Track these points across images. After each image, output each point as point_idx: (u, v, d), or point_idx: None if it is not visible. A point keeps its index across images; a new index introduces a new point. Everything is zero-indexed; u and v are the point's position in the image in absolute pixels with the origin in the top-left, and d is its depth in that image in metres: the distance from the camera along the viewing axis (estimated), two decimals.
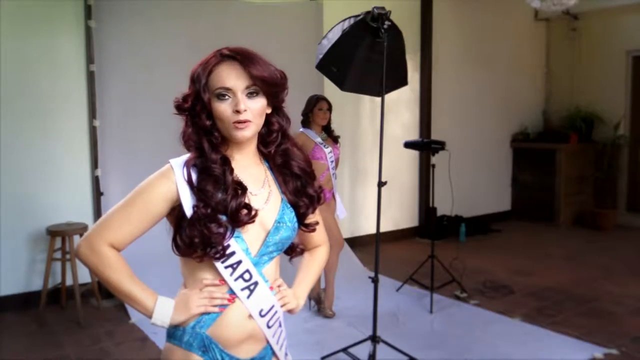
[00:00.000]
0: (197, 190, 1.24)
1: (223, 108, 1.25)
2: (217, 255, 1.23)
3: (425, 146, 4.45)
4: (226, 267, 1.26)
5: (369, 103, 5.83)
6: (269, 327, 1.33)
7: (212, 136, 1.27)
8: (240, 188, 1.26)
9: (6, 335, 3.69)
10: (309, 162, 1.41)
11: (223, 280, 1.28)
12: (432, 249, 4.28)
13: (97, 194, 4.30)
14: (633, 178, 6.86)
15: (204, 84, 1.25)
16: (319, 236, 1.53)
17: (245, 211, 1.25)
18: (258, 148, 1.37)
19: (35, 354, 3.42)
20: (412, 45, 5.93)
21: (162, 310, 1.27)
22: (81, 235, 3.93)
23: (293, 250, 1.46)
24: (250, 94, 1.26)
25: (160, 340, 3.47)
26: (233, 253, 1.26)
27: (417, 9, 6.22)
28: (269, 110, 1.32)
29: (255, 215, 1.27)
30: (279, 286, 1.37)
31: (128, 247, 1.29)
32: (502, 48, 7.03)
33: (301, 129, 3.84)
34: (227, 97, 1.25)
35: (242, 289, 1.28)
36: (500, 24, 6.98)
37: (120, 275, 1.26)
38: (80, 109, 4.29)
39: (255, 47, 1.32)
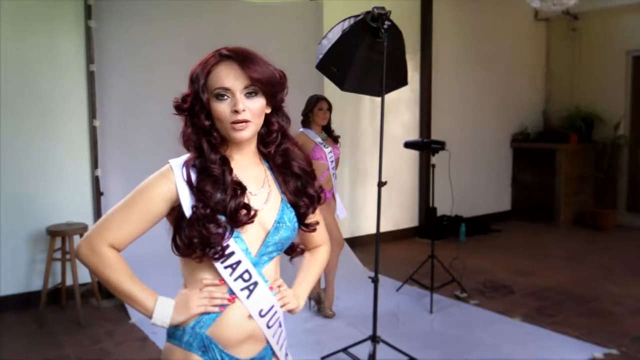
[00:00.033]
0: (196, 190, 1.24)
1: (222, 108, 1.24)
2: (216, 256, 1.23)
3: (425, 146, 4.45)
4: (225, 267, 1.26)
5: (369, 103, 5.83)
6: (268, 327, 1.33)
7: (211, 136, 1.27)
8: (239, 188, 1.26)
9: (6, 335, 3.69)
10: (309, 162, 1.41)
11: (223, 280, 1.28)
12: (432, 249, 4.28)
13: (97, 194, 4.30)
14: (633, 178, 6.86)
15: (203, 84, 1.25)
16: (320, 236, 1.53)
17: (244, 211, 1.25)
18: (258, 148, 1.36)
19: (35, 354, 3.42)
20: (412, 45, 5.93)
21: (162, 311, 1.27)
22: (81, 235, 3.93)
23: (293, 250, 1.46)
24: (249, 94, 1.25)
25: (160, 340, 3.47)
26: (232, 253, 1.26)
27: (417, 9, 6.22)
28: (268, 110, 1.32)
29: (255, 215, 1.27)
30: (279, 286, 1.37)
31: (128, 247, 1.29)
32: (502, 48, 7.03)
33: (301, 129, 3.84)
34: (225, 97, 1.24)
35: (242, 289, 1.28)
36: (500, 24, 6.98)
37: (121, 275, 1.26)
38: (80, 108, 4.29)
39: (255, 47, 1.32)
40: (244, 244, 1.28)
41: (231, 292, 1.28)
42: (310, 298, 3.99)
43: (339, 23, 3.06)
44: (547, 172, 6.96)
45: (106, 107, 4.29)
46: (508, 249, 5.88)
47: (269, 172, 1.37)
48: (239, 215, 1.24)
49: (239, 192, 1.26)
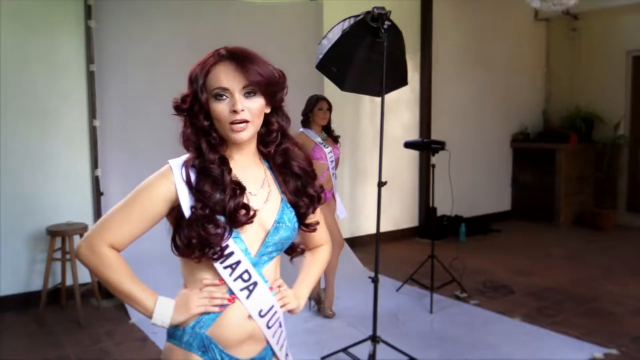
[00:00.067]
0: (195, 190, 1.24)
1: (220, 108, 1.24)
2: (215, 256, 1.23)
3: (425, 146, 4.45)
4: (225, 268, 1.26)
5: (369, 103, 5.83)
6: (268, 327, 1.33)
7: (210, 136, 1.27)
8: (238, 188, 1.26)
9: (6, 335, 3.69)
10: (309, 162, 1.41)
11: (223, 280, 1.28)
12: (432, 249, 4.28)
13: (97, 194, 4.30)
14: (633, 178, 6.86)
15: (202, 85, 1.25)
16: (321, 235, 1.52)
17: (243, 211, 1.25)
18: (258, 148, 1.36)
19: (35, 354, 3.42)
20: (412, 45, 5.93)
21: (162, 311, 1.27)
22: (81, 235, 3.93)
23: (294, 250, 1.45)
24: (248, 94, 1.25)
25: (160, 340, 3.48)
26: (232, 253, 1.26)
27: (417, 9, 6.22)
28: (268, 110, 1.31)
29: (254, 215, 1.26)
30: (279, 286, 1.37)
31: (128, 247, 1.29)
32: (502, 48, 7.03)
33: (301, 129, 3.84)
34: (224, 97, 1.24)
35: (242, 289, 1.28)
36: (500, 24, 6.98)
37: (121, 275, 1.26)
38: (80, 108, 4.29)
39: (255, 47, 1.32)
40: (243, 244, 1.28)
41: (231, 292, 1.28)
42: (310, 298, 3.99)
43: (339, 23, 3.06)
44: (547, 172, 6.96)
45: (106, 107, 4.29)
46: (508, 249, 5.88)
47: (268, 172, 1.37)
48: (238, 215, 1.24)
49: (238, 192, 1.26)
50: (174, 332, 1.30)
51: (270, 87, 1.27)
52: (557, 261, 5.42)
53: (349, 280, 4.49)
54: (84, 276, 4.05)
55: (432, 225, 5.69)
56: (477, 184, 6.83)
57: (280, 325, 1.39)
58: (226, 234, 1.23)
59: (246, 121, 1.25)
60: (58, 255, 4.03)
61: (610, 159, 6.84)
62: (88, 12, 4.19)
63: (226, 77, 1.24)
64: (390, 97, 3.24)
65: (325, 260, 1.56)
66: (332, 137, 3.93)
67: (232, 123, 1.24)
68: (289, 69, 1.42)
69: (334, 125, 3.97)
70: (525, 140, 7.32)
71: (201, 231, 1.20)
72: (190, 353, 1.28)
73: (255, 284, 1.29)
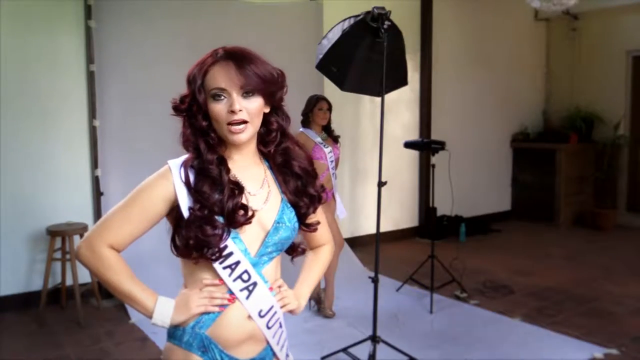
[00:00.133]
0: (194, 191, 1.23)
1: (219, 109, 1.24)
2: (214, 257, 1.23)
3: (425, 146, 4.45)
4: (224, 268, 1.26)
5: (369, 103, 5.83)
6: (268, 327, 1.33)
7: (208, 137, 1.27)
8: (237, 188, 1.26)
9: (6, 335, 3.69)
10: (310, 161, 1.40)
11: (223, 280, 1.28)
12: (432, 249, 4.28)
13: (97, 194, 4.30)
14: (633, 178, 6.86)
15: (200, 85, 1.25)
16: (323, 235, 1.52)
17: (241, 212, 1.24)
18: (258, 147, 1.36)
19: (35, 354, 3.42)
20: (412, 45, 5.93)
21: (162, 311, 1.27)
22: (81, 235, 3.93)
23: (294, 250, 1.45)
24: (246, 94, 1.25)
25: (160, 340, 3.48)
26: (231, 254, 1.26)
27: (417, 9, 6.21)
28: (267, 110, 1.31)
29: (252, 216, 1.26)
30: (279, 287, 1.37)
31: (128, 247, 1.29)
32: (502, 48, 7.03)
33: (301, 129, 3.84)
34: (222, 97, 1.24)
35: (241, 290, 1.28)
36: (500, 24, 6.98)
37: (121, 276, 1.26)
38: (80, 108, 4.29)
39: (255, 47, 1.32)
40: (242, 244, 1.28)
41: (231, 292, 1.28)
42: (310, 298, 3.97)
43: (339, 23, 3.06)
44: (547, 172, 6.96)
45: (106, 107, 4.29)
46: (508, 249, 5.88)
47: (268, 172, 1.37)
48: (237, 215, 1.24)
49: (236, 192, 1.25)
50: (174, 332, 1.30)
51: (268, 86, 1.27)
52: (557, 261, 5.42)
53: (349, 280, 4.49)
54: (84, 276, 4.05)
55: (432, 225, 5.69)
56: (477, 184, 6.83)
57: (281, 326, 1.38)
58: (224, 234, 1.23)
59: (244, 122, 1.24)
60: (58, 255, 4.03)
61: (610, 159, 6.84)
62: (88, 12, 4.19)
63: (224, 77, 1.23)
64: (390, 97, 3.23)
65: (327, 260, 1.55)
66: (332, 137, 3.93)
67: (230, 124, 1.24)
68: (289, 69, 1.41)
69: (334, 125, 3.97)
70: (525, 140, 7.32)
71: (199, 233, 1.20)
72: (190, 353, 1.28)
73: (254, 284, 1.29)
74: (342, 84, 3.28)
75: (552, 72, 7.61)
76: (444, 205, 5.75)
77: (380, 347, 3.03)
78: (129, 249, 1.29)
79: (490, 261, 5.36)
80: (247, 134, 1.26)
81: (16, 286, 4.12)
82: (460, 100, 6.67)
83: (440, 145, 4.23)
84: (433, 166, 4.35)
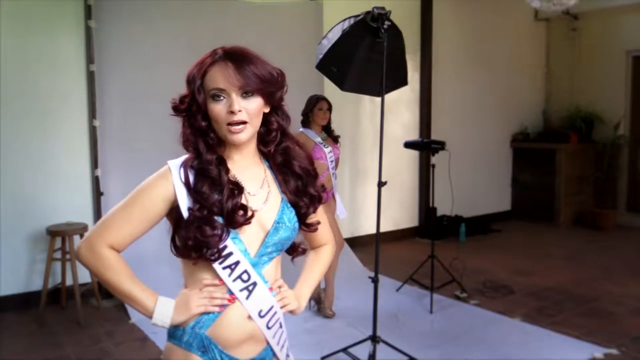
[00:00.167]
0: (193, 192, 1.23)
1: (218, 109, 1.24)
2: (213, 257, 1.23)
3: (425, 146, 4.45)
4: (224, 268, 1.26)
5: (369, 103, 5.83)
6: (268, 328, 1.33)
7: (208, 137, 1.27)
8: (236, 188, 1.26)
9: (6, 335, 3.69)
10: (311, 161, 1.40)
11: (222, 280, 1.28)
12: (432, 249, 4.28)
13: (97, 194, 4.30)
14: (633, 178, 6.86)
15: (199, 85, 1.25)
16: (324, 235, 1.52)
17: (241, 212, 1.24)
18: (258, 147, 1.36)
19: (35, 354, 3.42)
20: (412, 45, 5.93)
21: (163, 311, 1.27)
22: (81, 235, 3.93)
23: (295, 250, 1.44)
24: (245, 94, 1.24)
25: (160, 340, 3.48)
26: (230, 254, 1.26)
27: (417, 9, 6.21)
28: (267, 110, 1.31)
29: (252, 216, 1.26)
30: (279, 287, 1.37)
31: (128, 247, 1.29)
32: (502, 48, 7.03)
33: (301, 129, 3.84)
34: (221, 97, 1.24)
35: (241, 290, 1.28)
36: (500, 24, 6.98)
37: (121, 276, 1.26)
38: (80, 108, 4.29)
39: (255, 47, 1.31)
40: (242, 244, 1.28)
41: (231, 292, 1.28)
42: (310, 298, 3.98)
43: (339, 23, 3.06)
44: (547, 172, 6.96)
45: (106, 107, 4.29)
46: (508, 249, 5.88)
47: (269, 172, 1.37)
48: (236, 216, 1.24)
49: (236, 192, 1.25)
50: (174, 332, 1.30)
51: (267, 86, 1.27)
52: (557, 261, 5.42)
53: (349, 280, 4.49)
54: (84, 276, 4.05)
55: (432, 225, 5.69)
56: (477, 184, 6.83)
57: (281, 326, 1.38)
58: (224, 235, 1.23)
59: (244, 122, 1.24)
60: (58, 255, 4.03)
61: (610, 159, 6.84)
62: (88, 12, 4.19)
63: (223, 77, 1.23)
64: (390, 97, 3.23)
65: (328, 260, 1.55)
66: (332, 137, 3.93)
67: (230, 124, 1.24)
68: (289, 69, 1.41)
69: (334, 125, 3.97)
70: (525, 140, 7.32)
71: (198, 233, 1.20)
72: (190, 353, 1.28)
73: (254, 284, 1.29)
74: (342, 84, 3.28)
75: (552, 72, 7.61)
76: (444, 205, 5.75)
77: (380, 347, 3.03)
78: (130, 249, 1.29)
79: (490, 261, 5.36)
80: (246, 134, 1.26)
81: (16, 286, 4.12)
82: (460, 100, 6.67)
83: (440, 145, 4.23)
84: (433, 166, 4.35)
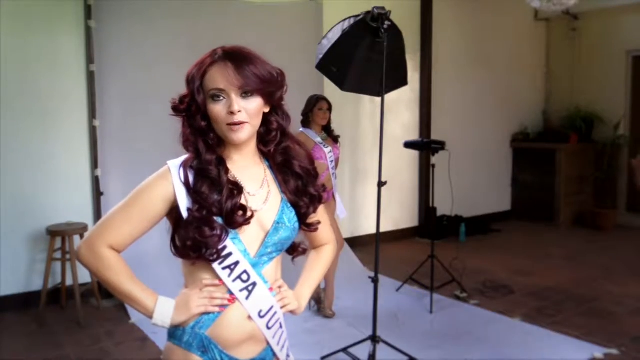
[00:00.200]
0: (193, 192, 1.23)
1: (218, 109, 1.24)
2: (212, 258, 1.23)
3: (425, 146, 4.45)
4: (224, 268, 1.26)
5: (369, 103, 5.83)
6: (268, 328, 1.33)
7: (207, 137, 1.27)
8: (236, 189, 1.26)
9: (6, 335, 3.69)
10: (311, 160, 1.40)
11: (222, 281, 1.28)
12: (432, 249, 4.28)
13: (97, 194, 4.30)
14: (633, 178, 6.85)
15: (199, 86, 1.25)
16: (325, 234, 1.52)
17: (240, 212, 1.24)
18: (258, 147, 1.36)
19: (35, 354, 3.42)
20: (412, 45, 5.93)
21: (163, 311, 1.27)
22: (81, 235, 3.93)
23: (295, 250, 1.44)
24: (245, 94, 1.24)
25: (160, 340, 3.48)
26: (230, 254, 1.25)
27: (417, 9, 6.21)
28: (266, 109, 1.31)
29: (251, 216, 1.26)
30: (279, 287, 1.36)
31: (128, 247, 1.29)
32: (502, 48, 7.03)
33: (301, 129, 3.84)
34: (221, 98, 1.24)
35: (241, 290, 1.28)
36: (500, 24, 6.98)
37: (121, 276, 1.26)
38: (80, 108, 4.29)
39: (255, 47, 1.31)
40: (242, 244, 1.28)
41: (231, 292, 1.28)
42: (310, 298, 3.98)
43: (339, 23, 3.06)
44: (547, 172, 6.96)
45: (106, 107, 4.29)
46: (508, 249, 5.88)
47: (268, 172, 1.36)
48: (235, 216, 1.23)
49: (235, 192, 1.25)
50: (175, 332, 1.30)
51: (267, 86, 1.26)
52: (557, 261, 5.42)
53: (349, 280, 4.49)
54: (84, 276, 4.05)
55: (432, 225, 5.69)
56: (477, 184, 6.83)
57: (281, 326, 1.38)
58: (223, 235, 1.23)
59: (243, 122, 1.24)
60: (58, 255, 4.03)
61: (610, 159, 6.84)
62: (88, 12, 4.19)
63: (222, 78, 1.23)
64: (390, 97, 3.23)
65: (329, 260, 1.55)
66: (332, 137, 3.93)
67: (230, 124, 1.24)
68: (289, 69, 1.41)
69: (334, 125, 3.97)
70: (525, 140, 7.32)
71: (197, 234, 1.20)
72: (190, 353, 1.28)
73: (254, 284, 1.29)
74: (342, 84, 3.28)
75: (552, 72, 7.61)
76: (444, 205, 5.75)
77: (380, 347, 3.03)
78: (130, 249, 1.29)
79: (490, 261, 5.36)
80: (245, 134, 1.26)
81: (16, 286, 4.12)
82: (460, 100, 6.67)
83: (440, 145, 4.23)
84: (433, 166, 4.35)
